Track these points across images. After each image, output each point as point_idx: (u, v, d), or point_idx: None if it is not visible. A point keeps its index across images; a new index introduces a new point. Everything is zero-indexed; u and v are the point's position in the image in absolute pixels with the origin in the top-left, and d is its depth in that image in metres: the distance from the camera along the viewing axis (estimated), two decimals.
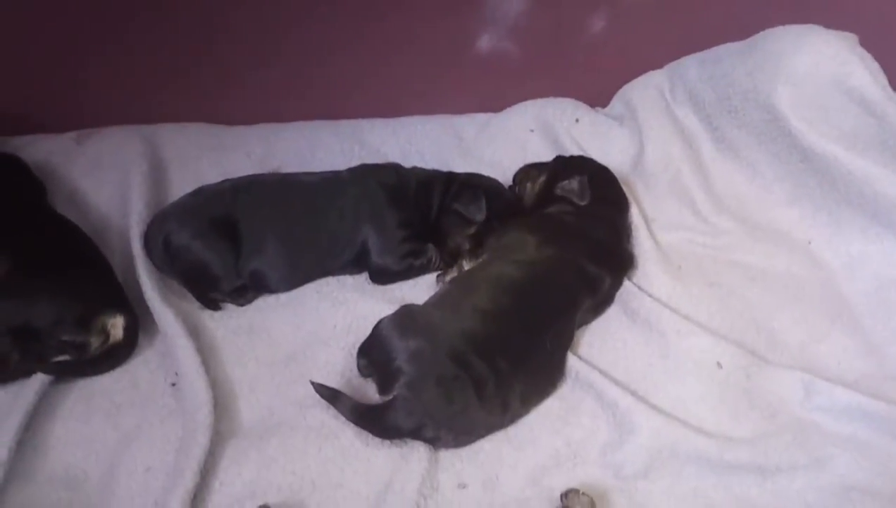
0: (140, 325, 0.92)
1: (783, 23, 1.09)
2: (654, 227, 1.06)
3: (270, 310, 0.98)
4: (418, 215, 1.01)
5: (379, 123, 1.22)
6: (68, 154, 1.13)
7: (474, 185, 1.02)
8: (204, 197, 0.99)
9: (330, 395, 0.84)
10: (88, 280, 0.90)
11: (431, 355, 0.81)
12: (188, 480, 0.76)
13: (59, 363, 0.85)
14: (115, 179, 1.09)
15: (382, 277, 1.00)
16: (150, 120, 1.20)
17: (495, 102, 1.24)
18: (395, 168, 1.05)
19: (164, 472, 0.79)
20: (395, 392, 0.80)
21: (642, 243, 1.02)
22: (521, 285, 0.89)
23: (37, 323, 0.83)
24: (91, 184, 1.09)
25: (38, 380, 0.84)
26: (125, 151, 1.12)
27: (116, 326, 0.88)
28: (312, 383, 0.85)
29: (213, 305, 0.97)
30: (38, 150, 1.12)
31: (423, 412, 0.79)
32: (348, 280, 1.01)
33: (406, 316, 0.86)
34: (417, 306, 0.89)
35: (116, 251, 1.00)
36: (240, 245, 0.95)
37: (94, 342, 0.86)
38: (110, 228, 1.04)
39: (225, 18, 1.14)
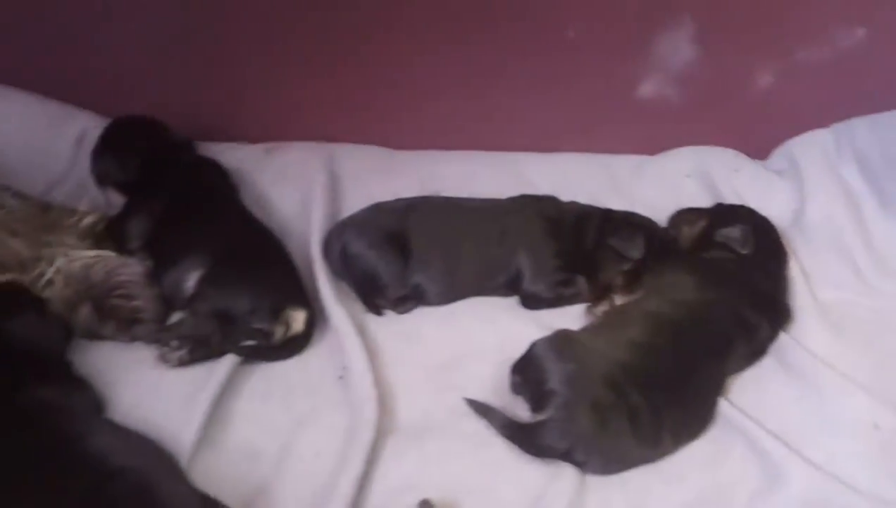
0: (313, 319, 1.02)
1: None
2: (813, 283, 1.05)
3: (427, 320, 1.05)
4: (573, 247, 1.05)
5: (533, 157, 1.29)
6: (258, 163, 1.26)
7: (632, 223, 1.05)
8: (381, 212, 1.08)
9: (483, 409, 0.90)
10: (279, 276, 1.00)
11: (587, 380, 0.85)
12: (356, 467, 0.83)
13: (247, 346, 0.96)
14: (298, 189, 1.20)
15: (532, 302, 1.05)
16: (329, 139, 1.32)
17: (651, 145, 1.28)
18: (554, 200, 1.10)
19: (333, 458, 0.86)
20: (548, 413, 0.84)
21: (800, 297, 1.01)
22: (678, 324, 0.91)
23: (236, 310, 0.94)
24: (276, 192, 1.21)
25: (228, 361, 0.94)
26: (308, 166, 1.23)
27: (298, 320, 0.98)
28: (466, 399, 0.91)
29: (376, 310, 1.05)
30: (232, 157, 1.25)
31: (575, 435, 0.82)
32: (499, 301, 1.07)
33: (562, 340, 0.90)
34: (573, 331, 0.93)
35: (296, 254, 1.10)
36: (408, 259, 1.04)
37: (279, 332, 0.96)
38: (291, 232, 1.15)
39: (401, 52, 1.25)
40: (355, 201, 1.19)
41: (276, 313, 0.96)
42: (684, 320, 0.92)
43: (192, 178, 1.13)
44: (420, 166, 1.28)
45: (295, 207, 1.19)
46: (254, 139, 1.33)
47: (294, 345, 0.98)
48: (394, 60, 1.26)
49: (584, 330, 0.95)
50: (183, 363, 0.93)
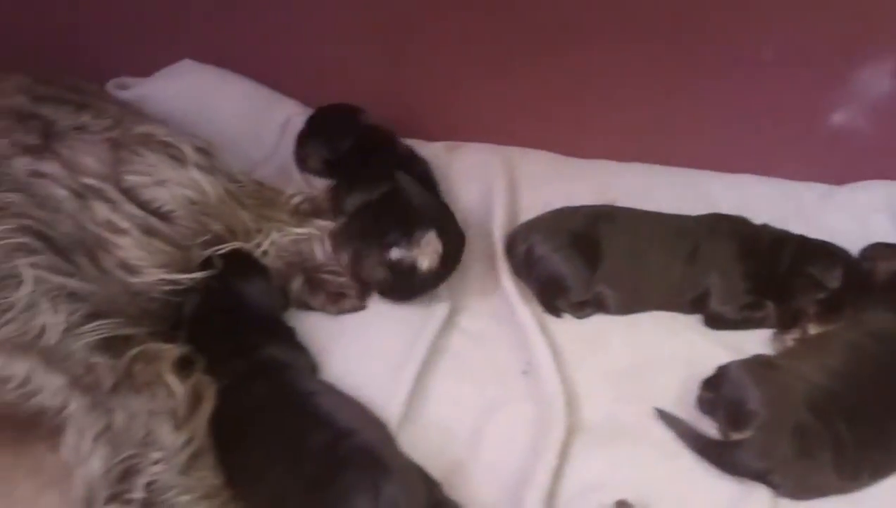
0: (496, 313, 1.07)
1: None
2: None
3: (606, 326, 1.07)
4: (766, 270, 1.05)
5: (713, 176, 1.29)
6: (440, 161, 1.32)
7: (831, 252, 1.04)
8: (568, 216, 1.12)
9: (672, 421, 0.92)
10: None
11: (790, 403, 0.85)
12: (550, 460, 0.87)
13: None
14: (479, 189, 1.26)
15: (717, 323, 1.05)
16: (505, 141, 1.37)
17: (837, 174, 1.25)
18: (747, 221, 1.11)
19: (524, 446, 0.90)
20: (748, 433, 0.85)
21: None
22: (879, 359, 0.90)
23: None
24: (458, 190, 1.26)
25: (426, 340, 0.99)
26: (489, 167, 1.28)
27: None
28: (656, 408, 0.93)
29: (555, 312, 1.08)
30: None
31: (775, 458, 0.83)
32: (681, 317, 1.08)
33: (761, 364, 0.91)
34: (770, 355, 0.94)
35: (477, 251, 1.16)
36: (594, 266, 1.06)
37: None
38: (471, 230, 1.19)
39: (584, 61, 1.27)
40: (531, 204, 1.23)
41: None
42: (886, 355, 0.91)
43: (406, 166, 1.19)
44: (596, 175, 1.31)
45: (475, 205, 1.24)
46: (432, 137, 1.40)
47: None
48: (577, 69, 1.28)
49: (782, 355, 0.95)
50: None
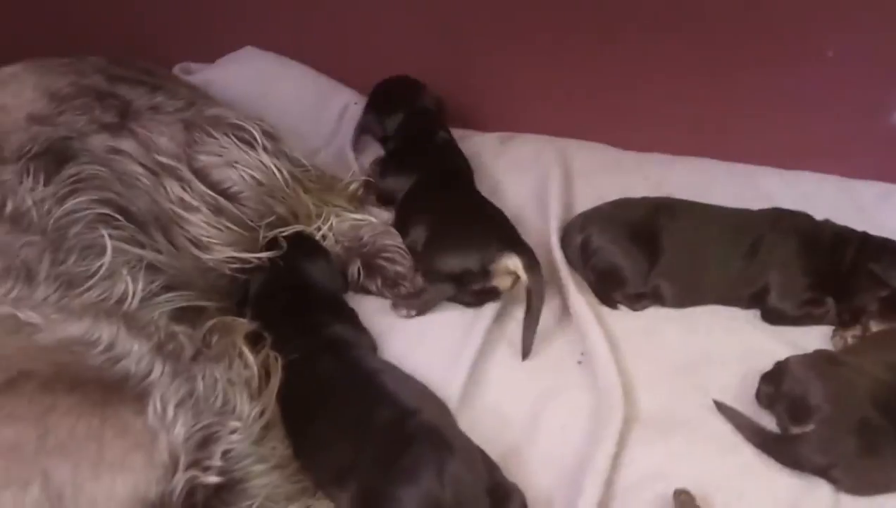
0: (551, 303, 1.05)
1: None
2: None
3: (663, 319, 1.07)
4: (827, 266, 1.04)
5: (771, 172, 1.28)
6: (492, 151, 1.34)
7: (894, 250, 1.02)
8: (627, 208, 1.12)
9: (731, 414, 0.91)
10: None
11: (854, 398, 0.84)
12: (610, 447, 0.87)
13: None
14: (531, 180, 1.27)
15: (776, 318, 1.04)
16: (558, 133, 1.37)
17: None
18: (809, 217, 1.09)
19: (579, 434, 0.91)
20: (810, 428, 0.84)
21: None
22: None
23: None
24: (510, 181, 1.28)
25: (483, 325, 1.01)
26: (542, 158, 1.30)
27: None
28: (715, 401, 0.93)
29: (611, 303, 1.08)
30: (470, 144, 1.34)
31: (838, 453, 0.82)
32: (738, 312, 1.07)
33: (823, 360, 0.90)
34: (832, 351, 0.93)
35: (532, 240, 1.13)
36: (653, 258, 1.06)
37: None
38: (523, 221, 1.20)
39: (640, 54, 1.28)
40: (586, 196, 1.23)
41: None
42: None
43: (445, 155, 1.21)
44: (651, 168, 1.31)
45: (528, 197, 1.25)
46: (485, 128, 1.41)
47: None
48: (633, 61, 1.29)
49: (846, 351, 0.95)
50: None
